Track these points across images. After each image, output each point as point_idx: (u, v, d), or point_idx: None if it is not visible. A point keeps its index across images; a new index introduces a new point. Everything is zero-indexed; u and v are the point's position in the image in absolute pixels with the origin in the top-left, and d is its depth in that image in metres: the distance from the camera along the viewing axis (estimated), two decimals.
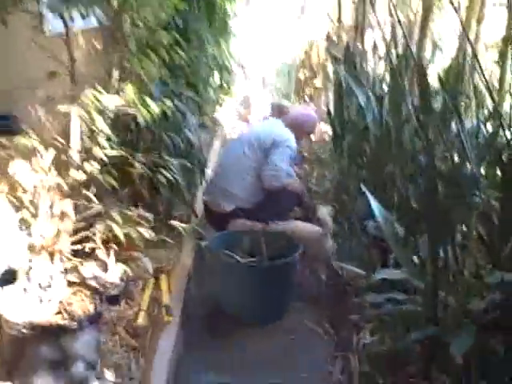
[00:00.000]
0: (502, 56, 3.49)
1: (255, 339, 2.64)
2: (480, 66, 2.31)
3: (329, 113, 4.17)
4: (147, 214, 2.26)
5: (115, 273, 2.62)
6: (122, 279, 2.65)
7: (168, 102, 2.97)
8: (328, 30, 7.20)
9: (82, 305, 2.18)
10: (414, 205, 2.77)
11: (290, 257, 2.77)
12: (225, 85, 7.24)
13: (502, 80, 3.16)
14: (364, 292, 2.84)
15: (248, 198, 3.30)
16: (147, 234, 2.17)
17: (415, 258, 2.50)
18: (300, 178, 4.93)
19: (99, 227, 2.12)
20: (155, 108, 1.99)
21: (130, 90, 1.92)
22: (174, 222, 2.40)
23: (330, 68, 6.87)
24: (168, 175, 2.49)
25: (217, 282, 2.89)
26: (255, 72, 8.64)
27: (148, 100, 1.96)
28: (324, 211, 3.33)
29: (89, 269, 2.44)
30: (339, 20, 5.41)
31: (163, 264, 3.03)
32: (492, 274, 1.97)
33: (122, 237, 2.14)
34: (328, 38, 7.06)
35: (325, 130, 6.22)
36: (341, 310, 2.73)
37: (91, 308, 2.16)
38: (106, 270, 2.51)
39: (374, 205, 2.41)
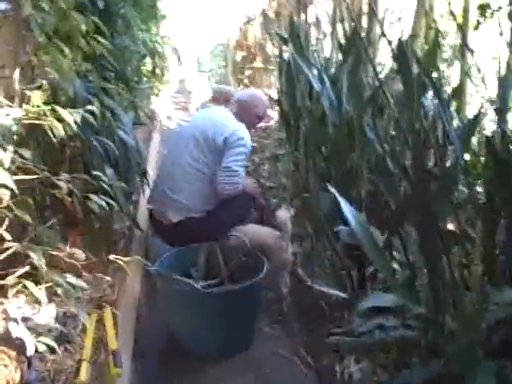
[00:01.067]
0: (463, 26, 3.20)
1: (221, 376, 2.25)
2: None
3: (278, 99, 3.79)
4: (78, 252, 1.81)
5: (49, 311, 2.18)
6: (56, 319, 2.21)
7: (95, 102, 2.52)
8: (263, 5, 6.80)
9: (6, 373, 1.73)
10: (390, 204, 2.45)
11: (254, 276, 2.38)
12: (159, 72, 6.72)
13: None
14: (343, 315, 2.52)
15: (198, 206, 2.86)
16: (78, 282, 1.72)
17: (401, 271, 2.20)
18: (249, 173, 4.56)
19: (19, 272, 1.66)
20: (69, 118, 1.52)
21: (36, 97, 1.46)
22: (113, 257, 1.95)
23: (269, 47, 6.49)
24: (98, 200, 2.01)
25: (171, 310, 2.47)
26: (189, 55, 8.17)
27: (59, 109, 1.49)
28: (282, 213, 2.94)
29: (15, 307, 1.98)
30: None
31: (106, 293, 2.58)
32: (500, 291, 1.66)
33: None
34: (264, 14, 6.65)
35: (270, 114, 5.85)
36: (317, 333, 2.37)
37: (17, 377, 1.71)
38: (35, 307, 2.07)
39: (345, 207, 2.03)
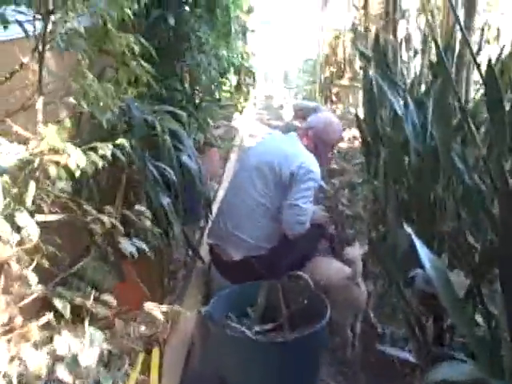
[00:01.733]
0: None
1: None
2: None
3: (358, 120, 3.50)
4: (110, 299, 1.64)
5: (93, 351, 2.03)
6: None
7: (156, 125, 2.38)
8: (354, 20, 6.50)
9: None
10: (478, 249, 2.12)
11: (316, 321, 2.12)
12: (244, 88, 6.61)
13: None
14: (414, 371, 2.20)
15: (261, 243, 2.64)
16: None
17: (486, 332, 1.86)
18: (327, 197, 4.27)
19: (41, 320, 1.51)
20: (79, 158, 1.32)
21: (51, 132, 1.30)
22: (165, 307, 1.76)
23: (358, 63, 6.19)
24: (128, 247, 1.82)
25: (223, 357, 2.25)
26: (277, 71, 8.00)
27: (69, 147, 1.30)
28: (353, 249, 2.63)
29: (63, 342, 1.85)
30: (365, 7, 4.68)
31: (158, 329, 2.42)
32: None
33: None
34: (354, 29, 6.36)
35: (355, 135, 5.54)
36: None
37: None
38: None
39: (421, 249, 1.72)
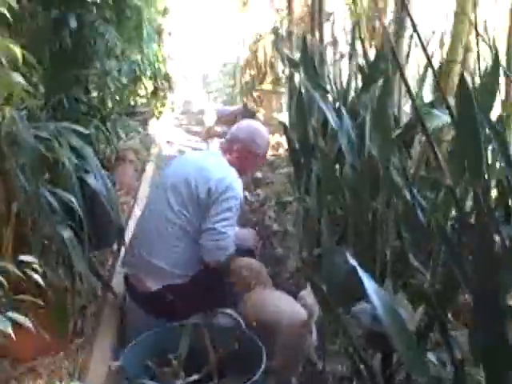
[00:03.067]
0: None
1: None
2: None
3: (285, 128, 3.23)
4: None
5: None
6: None
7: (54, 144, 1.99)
8: (275, 22, 6.28)
9: None
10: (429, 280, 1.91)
11: (251, 369, 1.81)
12: (161, 93, 6.22)
13: None
14: None
15: (179, 271, 2.29)
16: None
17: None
18: (252, 209, 4.00)
19: None
20: None
21: None
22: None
23: (280, 67, 5.97)
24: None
25: None
26: (196, 75, 7.66)
27: None
28: (310, 294, 2.27)
29: None
30: (289, 9, 4.43)
31: None
32: None
33: None
34: (275, 31, 6.13)
35: (279, 141, 5.31)
36: None
37: None
38: None
39: (367, 282, 1.45)
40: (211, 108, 7.02)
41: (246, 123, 2.70)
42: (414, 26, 1.40)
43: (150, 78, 5.58)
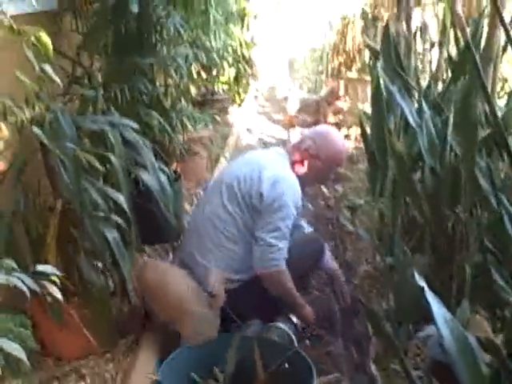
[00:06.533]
0: None
1: None
2: None
3: (361, 125, 2.96)
4: None
5: None
6: None
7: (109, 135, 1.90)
8: (364, 4, 5.93)
9: None
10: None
11: None
12: (243, 80, 6.09)
13: None
14: None
15: (230, 274, 2.13)
16: None
17: None
18: (328, 206, 3.79)
19: None
20: None
21: None
22: None
23: (367, 54, 5.63)
24: None
25: None
26: (282, 60, 7.44)
27: None
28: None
29: None
30: None
31: None
32: None
33: None
34: (364, 16, 5.79)
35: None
36: None
37: None
38: None
39: (436, 309, 1.24)
40: (295, 95, 6.79)
41: (322, 129, 2.53)
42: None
43: (232, 65, 5.45)
